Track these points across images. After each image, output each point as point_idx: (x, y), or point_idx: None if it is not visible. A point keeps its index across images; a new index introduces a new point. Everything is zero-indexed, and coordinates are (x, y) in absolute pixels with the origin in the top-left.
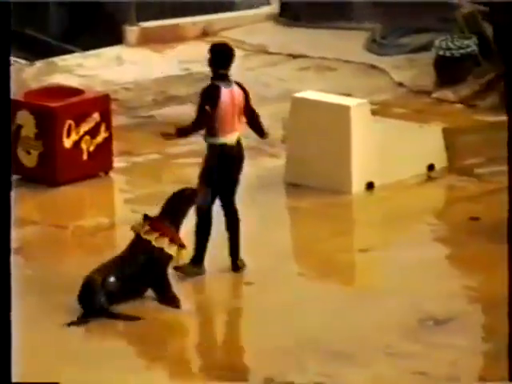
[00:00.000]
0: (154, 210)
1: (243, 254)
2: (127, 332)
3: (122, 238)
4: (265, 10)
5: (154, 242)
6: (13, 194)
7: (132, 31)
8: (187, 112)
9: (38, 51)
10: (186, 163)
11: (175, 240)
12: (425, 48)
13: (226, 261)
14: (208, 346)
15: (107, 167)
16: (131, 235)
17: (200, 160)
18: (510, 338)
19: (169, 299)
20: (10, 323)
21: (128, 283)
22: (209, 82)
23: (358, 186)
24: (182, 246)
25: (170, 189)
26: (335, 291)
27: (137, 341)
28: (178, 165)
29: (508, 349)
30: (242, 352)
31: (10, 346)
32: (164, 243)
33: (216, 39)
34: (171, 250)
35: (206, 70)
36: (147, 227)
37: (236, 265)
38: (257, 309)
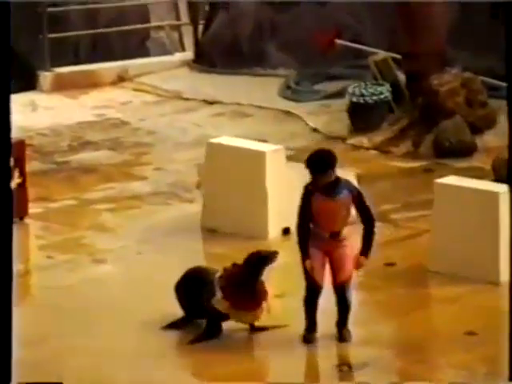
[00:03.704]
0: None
1: (161, 300)
2: None
3: (37, 285)
4: (179, 56)
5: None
6: None
7: (46, 77)
8: (102, 157)
9: None
10: (101, 209)
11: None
12: (339, 94)
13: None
14: None
15: (22, 213)
16: (47, 281)
17: (114, 206)
18: (510, 337)
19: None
20: (11, 323)
21: None
22: (123, 127)
23: (274, 231)
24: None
25: (86, 234)
26: (250, 337)
27: None
28: (93, 211)
29: (508, 349)
30: None
31: (10, 346)
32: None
33: (131, 85)
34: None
35: (120, 115)
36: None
37: (341, 334)
38: (172, 354)
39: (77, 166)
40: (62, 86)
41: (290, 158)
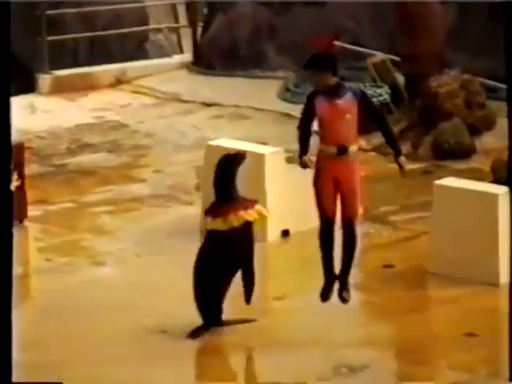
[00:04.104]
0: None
1: (158, 300)
2: None
3: (37, 287)
4: (178, 58)
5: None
6: None
7: (45, 79)
8: (101, 160)
9: None
10: (100, 211)
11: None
12: None
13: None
14: None
15: (21, 215)
16: (46, 284)
17: (113, 208)
18: (510, 337)
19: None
20: (11, 323)
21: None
22: (122, 129)
23: (273, 233)
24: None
25: (85, 237)
26: (250, 339)
27: None
28: (92, 213)
29: (508, 349)
30: None
31: (10, 346)
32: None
33: (129, 87)
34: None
35: (119, 118)
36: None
37: (341, 295)
38: (170, 356)
39: (75, 168)
40: (60, 88)
41: (289, 160)
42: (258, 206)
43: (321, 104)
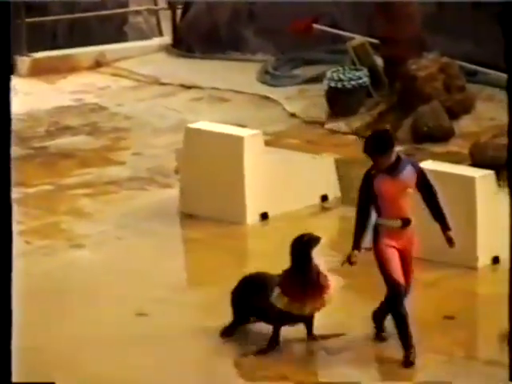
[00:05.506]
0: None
1: (137, 283)
2: None
3: (15, 270)
4: (157, 41)
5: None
6: None
7: (24, 62)
8: (80, 142)
9: None
10: (79, 194)
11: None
12: (317, 79)
13: None
14: None
15: None
16: (25, 267)
17: (92, 191)
18: (509, 337)
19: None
20: (11, 323)
21: None
22: (101, 112)
23: (252, 216)
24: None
25: (64, 219)
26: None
27: None
28: (71, 196)
29: (508, 349)
30: None
31: (10, 346)
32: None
33: (109, 70)
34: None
35: (98, 100)
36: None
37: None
38: (149, 338)
39: (55, 151)
40: (39, 70)
41: (267, 143)
42: (328, 293)
43: (382, 182)
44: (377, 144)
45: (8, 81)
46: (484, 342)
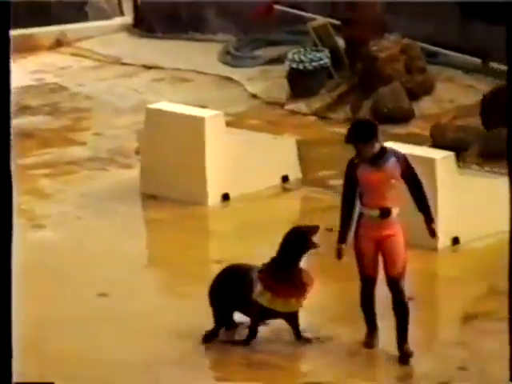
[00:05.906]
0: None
1: (101, 264)
2: None
3: None
4: (118, 20)
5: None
6: None
7: None
8: (40, 122)
9: None
10: (39, 174)
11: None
12: (278, 60)
13: None
14: None
15: None
16: None
17: (53, 171)
18: (510, 337)
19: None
20: (11, 323)
21: None
22: (62, 92)
23: (213, 197)
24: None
25: (24, 200)
26: (188, 303)
27: None
28: (31, 176)
29: (508, 349)
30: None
31: (11, 346)
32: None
33: (69, 50)
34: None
35: (59, 80)
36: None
37: (403, 353)
38: (110, 319)
39: (15, 130)
40: None
41: (229, 124)
42: (310, 289)
43: (365, 172)
44: (360, 132)
45: (8, 80)
46: (443, 323)
